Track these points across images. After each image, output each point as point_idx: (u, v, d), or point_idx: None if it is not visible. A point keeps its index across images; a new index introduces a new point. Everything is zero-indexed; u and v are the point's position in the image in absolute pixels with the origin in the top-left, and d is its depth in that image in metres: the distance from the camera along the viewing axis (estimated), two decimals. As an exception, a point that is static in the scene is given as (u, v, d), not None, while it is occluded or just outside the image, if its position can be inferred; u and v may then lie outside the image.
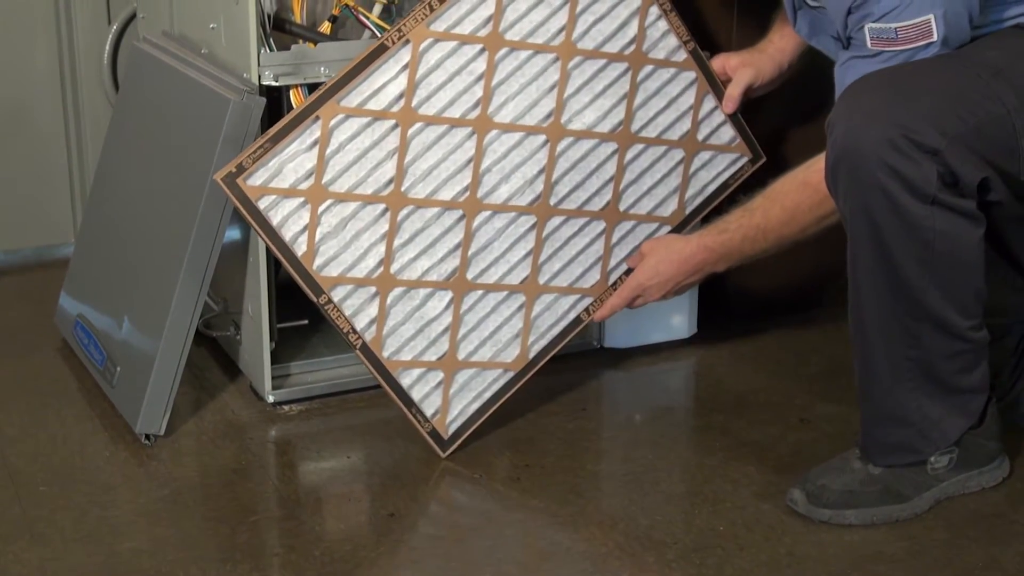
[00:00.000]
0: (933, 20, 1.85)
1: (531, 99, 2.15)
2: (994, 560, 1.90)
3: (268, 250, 2.09)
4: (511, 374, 2.19)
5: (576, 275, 2.22)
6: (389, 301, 2.09)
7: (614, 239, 2.24)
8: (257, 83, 2.16)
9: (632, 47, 2.21)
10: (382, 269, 2.08)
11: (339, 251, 2.06)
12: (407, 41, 2.06)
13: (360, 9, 2.25)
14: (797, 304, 2.69)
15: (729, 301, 2.65)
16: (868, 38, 1.89)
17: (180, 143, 2.28)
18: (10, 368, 2.46)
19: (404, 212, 2.09)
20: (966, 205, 1.84)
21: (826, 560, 1.89)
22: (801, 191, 2.05)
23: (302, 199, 2.03)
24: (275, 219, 2.02)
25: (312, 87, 2.22)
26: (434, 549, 1.91)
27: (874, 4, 1.86)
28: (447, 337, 2.13)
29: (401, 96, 2.07)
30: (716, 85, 2.28)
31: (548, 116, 2.16)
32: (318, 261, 2.05)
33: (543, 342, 2.21)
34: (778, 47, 2.29)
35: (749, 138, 2.33)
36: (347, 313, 2.07)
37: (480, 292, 2.15)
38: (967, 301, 1.90)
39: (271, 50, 2.17)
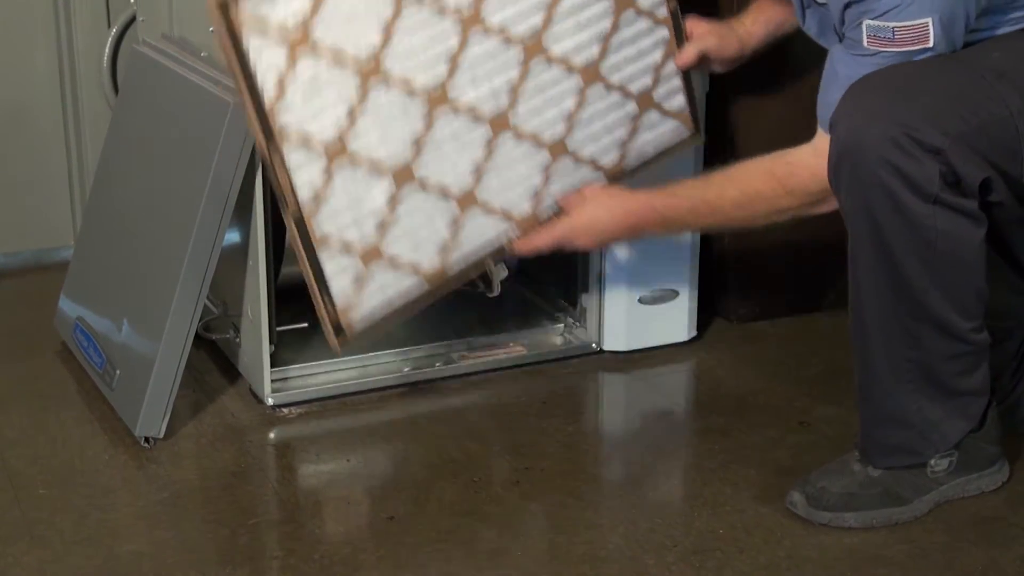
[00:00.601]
0: (931, 24, 1.85)
1: (523, 7, 2.12)
2: (994, 563, 1.90)
3: (236, 84, 1.99)
4: (426, 287, 2.14)
5: (510, 200, 2.18)
6: (335, 175, 2.03)
7: (552, 175, 2.21)
8: (257, 86, 2.15)
9: None
10: (338, 140, 2.02)
11: (302, 107, 2.00)
12: None
13: (360, 12, 2.24)
14: (796, 306, 2.69)
15: (728, 304, 2.65)
16: (865, 36, 1.89)
17: (179, 146, 2.28)
18: (10, 371, 2.46)
19: (376, 85, 2.03)
20: (968, 205, 1.84)
21: (826, 563, 1.89)
22: (764, 180, 2.03)
23: (285, 44, 1.97)
24: (252, 55, 1.95)
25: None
26: (434, 552, 1.91)
27: (875, 1, 1.86)
28: (378, 230, 2.08)
29: None
30: None
31: (533, 31, 2.13)
32: (281, 110, 1.98)
33: (462, 262, 2.16)
34: (748, 30, 2.29)
35: (696, 113, 2.32)
36: (292, 174, 2.01)
37: (420, 191, 2.10)
38: (968, 302, 1.90)
39: (271, 53, 2.16)
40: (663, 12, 2.24)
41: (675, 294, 2.53)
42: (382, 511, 2.02)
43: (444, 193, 2.11)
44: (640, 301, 2.51)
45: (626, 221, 2.13)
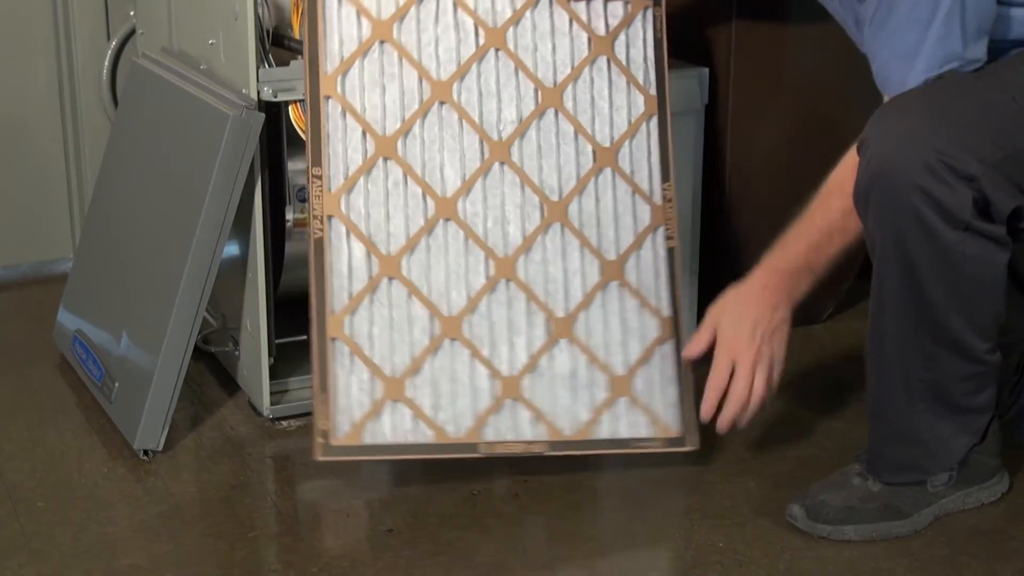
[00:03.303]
0: None
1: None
2: (994, 576, 1.90)
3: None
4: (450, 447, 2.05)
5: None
6: (380, 287, 2.02)
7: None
8: (256, 99, 2.16)
9: None
10: (395, 257, 2.01)
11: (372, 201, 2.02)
12: None
13: (359, 25, 2.24)
14: (795, 320, 2.68)
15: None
16: None
17: (179, 159, 2.29)
18: (8, 384, 2.46)
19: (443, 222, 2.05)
20: (997, 231, 1.82)
21: (825, 576, 1.89)
22: (853, 175, 1.88)
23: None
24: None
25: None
26: (433, 565, 1.91)
27: None
28: (409, 360, 2.02)
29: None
30: None
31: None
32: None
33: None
34: None
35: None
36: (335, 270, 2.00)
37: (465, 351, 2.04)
38: (986, 324, 1.89)
39: (270, 66, 2.17)
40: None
41: (674, 307, 2.53)
42: (381, 524, 2.02)
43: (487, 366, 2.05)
44: (639, 314, 2.50)
45: (764, 301, 1.99)
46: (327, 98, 2.03)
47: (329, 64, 2.04)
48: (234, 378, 2.42)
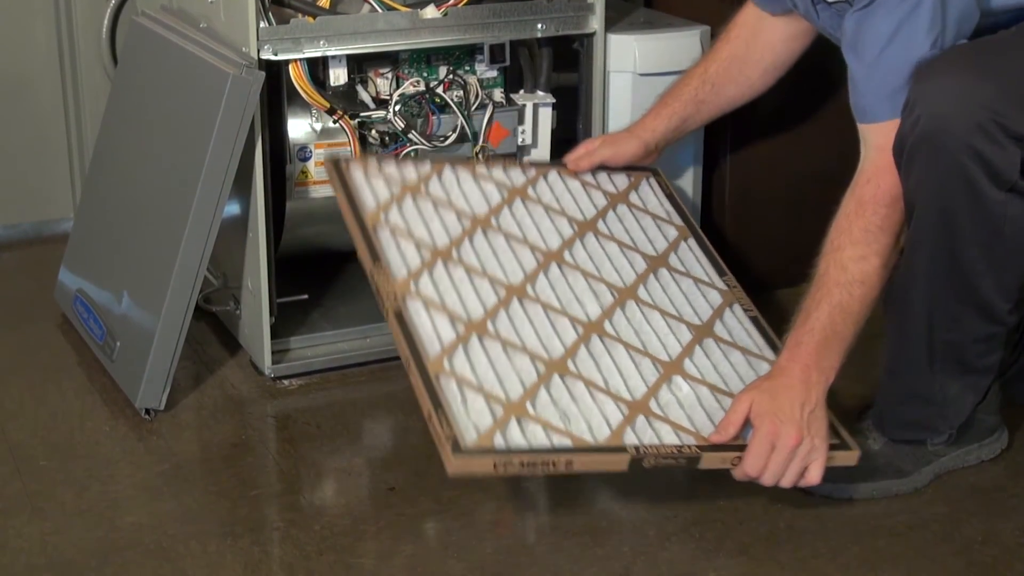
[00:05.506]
0: None
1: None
2: (994, 533, 1.90)
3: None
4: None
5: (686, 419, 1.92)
6: (471, 340, 1.89)
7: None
8: (256, 57, 2.15)
9: None
10: (479, 318, 1.92)
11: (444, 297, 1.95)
12: None
13: (359, -18, 2.24)
14: (787, 278, 2.68)
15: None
16: None
17: (179, 118, 2.28)
18: (10, 343, 2.46)
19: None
20: None
21: (826, 534, 1.90)
22: (859, 216, 1.86)
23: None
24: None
25: (311, 61, 2.21)
26: (434, 523, 1.92)
27: None
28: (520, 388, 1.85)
29: None
30: None
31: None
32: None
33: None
34: (645, 126, 2.25)
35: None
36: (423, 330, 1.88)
37: (579, 383, 1.89)
38: (1014, 285, 1.89)
39: (270, 24, 2.16)
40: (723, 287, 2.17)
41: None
42: (382, 482, 2.02)
43: (609, 396, 1.90)
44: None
45: (797, 379, 1.85)
46: (374, 227, 2.01)
47: (369, 207, 2.06)
48: (235, 337, 2.43)
